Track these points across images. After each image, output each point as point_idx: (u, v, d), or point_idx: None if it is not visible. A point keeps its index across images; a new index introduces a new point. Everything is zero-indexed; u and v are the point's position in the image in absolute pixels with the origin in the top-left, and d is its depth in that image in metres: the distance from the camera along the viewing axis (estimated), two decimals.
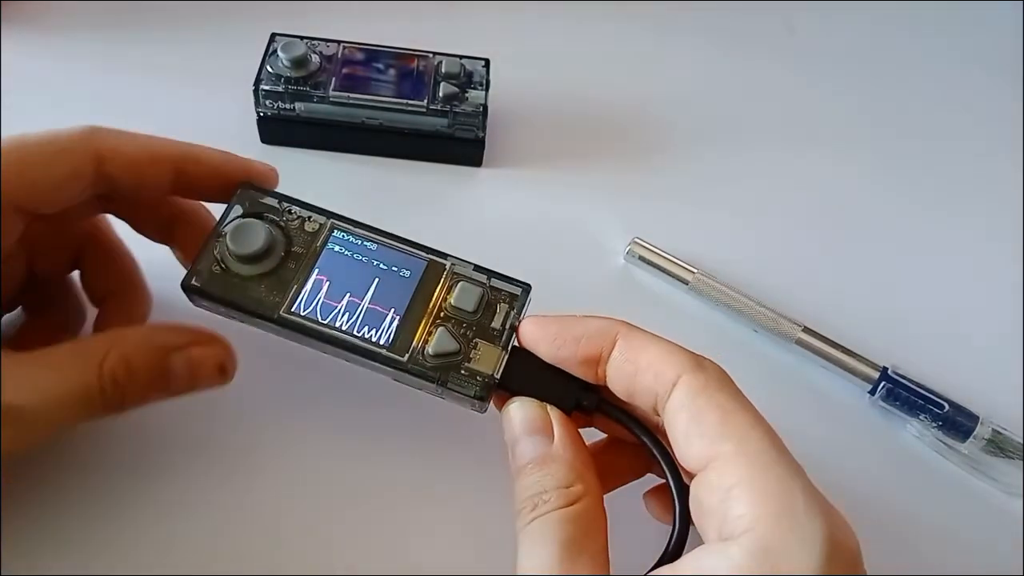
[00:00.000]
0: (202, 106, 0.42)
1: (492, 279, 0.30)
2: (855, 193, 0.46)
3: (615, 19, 0.52)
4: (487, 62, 0.41)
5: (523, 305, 0.29)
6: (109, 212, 0.30)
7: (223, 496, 0.30)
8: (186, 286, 0.27)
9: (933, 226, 0.45)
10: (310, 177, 0.40)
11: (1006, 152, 0.50)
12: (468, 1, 0.50)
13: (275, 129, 0.40)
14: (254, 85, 0.38)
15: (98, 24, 0.45)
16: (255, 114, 0.40)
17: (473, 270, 0.30)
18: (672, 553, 0.25)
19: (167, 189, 0.29)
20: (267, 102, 0.39)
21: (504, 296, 0.29)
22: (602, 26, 0.52)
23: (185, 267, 0.30)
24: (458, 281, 0.29)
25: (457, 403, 0.29)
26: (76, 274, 0.32)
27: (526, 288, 0.30)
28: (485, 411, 0.29)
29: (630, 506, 0.30)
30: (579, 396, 0.28)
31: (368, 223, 0.30)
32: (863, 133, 0.49)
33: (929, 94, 0.52)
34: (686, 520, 0.25)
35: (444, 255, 0.30)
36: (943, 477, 0.36)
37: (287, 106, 0.39)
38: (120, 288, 0.31)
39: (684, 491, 0.26)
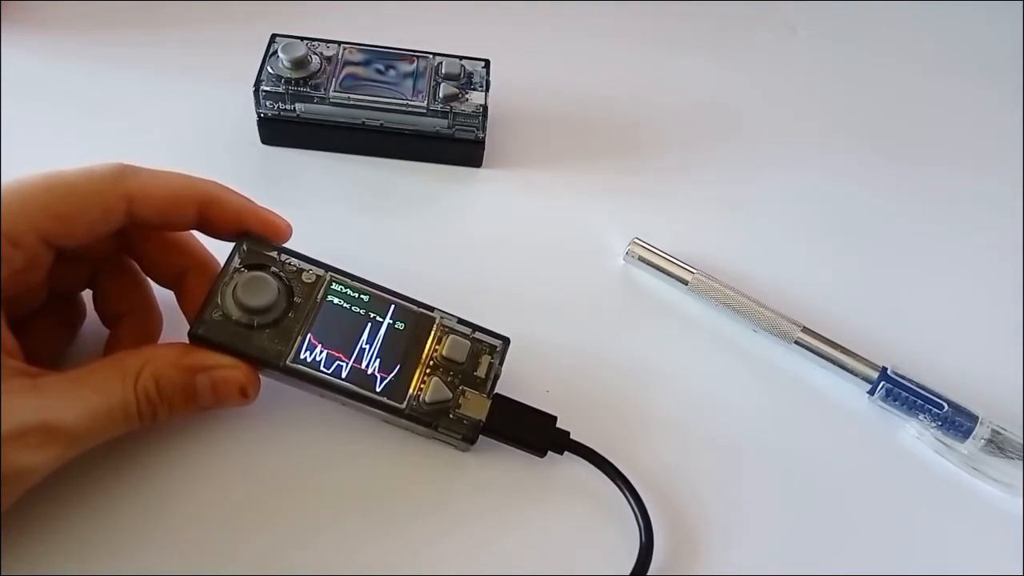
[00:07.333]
0: (202, 106, 0.42)
1: (475, 332, 0.31)
2: (855, 193, 0.46)
3: (615, 19, 0.52)
4: (487, 63, 0.41)
5: (503, 356, 0.31)
6: (126, 254, 0.32)
7: (224, 496, 0.30)
8: (194, 335, 0.28)
9: (933, 226, 0.45)
10: (310, 178, 0.41)
11: (1006, 152, 0.50)
12: (468, 1, 0.50)
13: (275, 130, 0.40)
14: (254, 86, 0.38)
15: (98, 24, 0.45)
16: (255, 115, 0.40)
17: (457, 323, 0.31)
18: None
19: (190, 227, 0.30)
20: (267, 103, 0.39)
21: (486, 347, 0.31)
22: (602, 27, 0.51)
23: (184, 313, 0.31)
24: (448, 333, 0.31)
25: (442, 442, 0.31)
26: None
27: (506, 341, 0.32)
28: (467, 450, 0.31)
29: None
30: (553, 436, 0.31)
31: (361, 276, 0.31)
32: (863, 133, 0.49)
33: (929, 94, 0.52)
34: (650, 547, 0.30)
35: (431, 308, 0.31)
36: (943, 477, 0.36)
37: (287, 107, 0.39)
38: (133, 309, 0.32)
39: (649, 528, 0.30)
